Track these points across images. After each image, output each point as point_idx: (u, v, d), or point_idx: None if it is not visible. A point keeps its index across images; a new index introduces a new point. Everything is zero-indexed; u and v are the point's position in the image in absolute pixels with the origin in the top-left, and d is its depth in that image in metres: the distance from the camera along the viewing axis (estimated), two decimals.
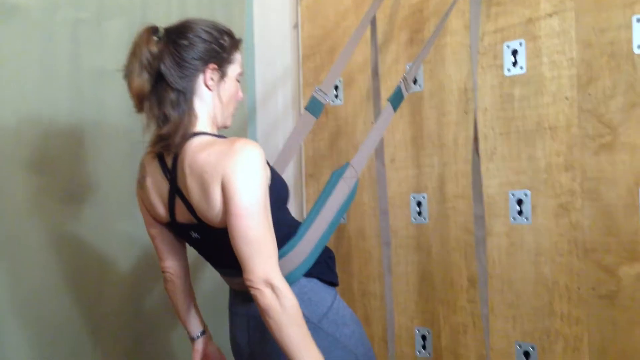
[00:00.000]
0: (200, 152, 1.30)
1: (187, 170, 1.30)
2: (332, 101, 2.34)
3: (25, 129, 1.88)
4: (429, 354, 2.13)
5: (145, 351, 2.45)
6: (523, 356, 1.89)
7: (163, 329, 2.51)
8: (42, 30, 1.89)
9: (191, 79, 1.34)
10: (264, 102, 2.64)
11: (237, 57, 1.43)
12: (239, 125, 2.62)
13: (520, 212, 1.88)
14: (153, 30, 1.35)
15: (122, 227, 2.31)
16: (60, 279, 2.13)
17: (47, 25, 1.90)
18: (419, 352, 2.16)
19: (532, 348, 1.87)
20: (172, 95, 1.32)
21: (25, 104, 1.88)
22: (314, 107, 1.85)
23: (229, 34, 1.42)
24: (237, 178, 1.25)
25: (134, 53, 1.32)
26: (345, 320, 1.47)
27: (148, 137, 1.38)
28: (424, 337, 2.15)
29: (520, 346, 1.89)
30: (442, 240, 2.08)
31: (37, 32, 1.88)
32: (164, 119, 1.32)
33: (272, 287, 1.24)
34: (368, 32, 2.11)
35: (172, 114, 1.32)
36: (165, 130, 1.32)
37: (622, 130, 1.69)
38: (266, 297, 1.24)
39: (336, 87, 2.32)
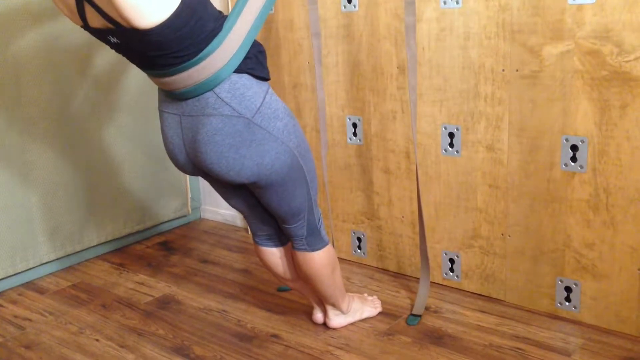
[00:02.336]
0: None
1: None
2: None
3: None
4: (360, 140, 2.22)
5: (78, 156, 2.45)
6: (448, 137, 1.99)
7: (94, 132, 2.49)
8: None
9: None
10: None
11: None
12: None
13: None
14: None
15: (32, 26, 2.17)
16: None
17: None
18: (350, 139, 2.24)
19: (457, 129, 1.97)
20: None
21: None
22: None
23: None
24: None
25: None
26: (278, 114, 1.48)
27: None
28: (354, 125, 2.22)
29: (445, 128, 1.99)
30: (373, 28, 2.06)
31: None
32: None
33: None
34: None
35: None
36: None
37: None
38: None
39: None
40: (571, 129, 1.73)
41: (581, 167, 1.74)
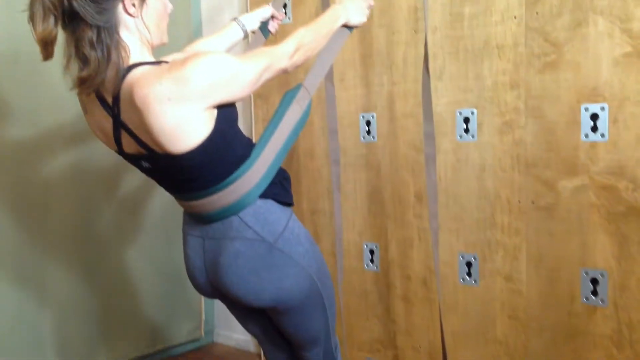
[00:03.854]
0: (148, 85, 1.22)
1: (140, 106, 1.22)
2: (281, 20, 2.29)
3: None
4: (377, 267, 2.22)
5: (96, 277, 2.45)
6: (465, 266, 2.00)
7: (114, 253, 2.51)
8: None
9: (110, 11, 1.24)
10: (210, 21, 2.55)
11: None
12: (185, 46, 2.54)
13: (466, 130, 1.94)
14: None
15: (64, 149, 2.26)
16: None
17: None
18: (367, 265, 2.25)
19: (474, 258, 1.97)
20: (90, 34, 1.22)
21: None
22: (264, 27, 1.81)
23: None
24: (220, 78, 1.24)
25: None
26: (300, 239, 1.50)
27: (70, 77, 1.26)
28: (372, 252, 2.23)
29: (463, 257, 2.00)
30: (391, 158, 2.13)
31: None
32: (83, 60, 1.23)
33: (295, 51, 1.41)
34: None
35: (92, 54, 1.22)
36: (85, 72, 1.23)
37: (567, 49, 1.73)
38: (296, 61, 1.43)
39: (285, 6, 2.26)
40: (590, 261, 1.73)
41: (602, 301, 1.72)
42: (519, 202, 1.86)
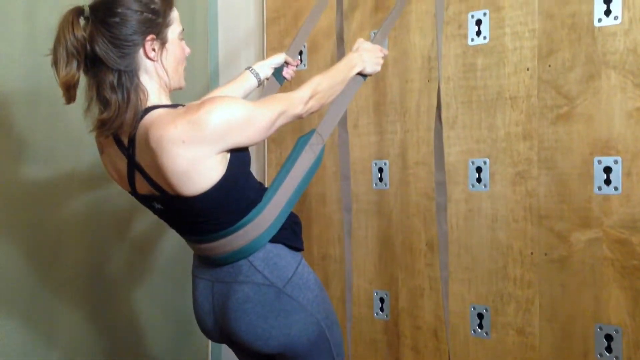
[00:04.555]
0: (163, 127, 1.24)
1: (154, 147, 1.25)
2: (297, 66, 2.33)
3: None
4: (387, 316, 2.19)
5: (104, 319, 2.44)
6: (477, 317, 1.96)
7: (123, 295, 2.50)
8: None
9: (131, 55, 1.28)
10: (227, 66, 2.60)
11: (174, 15, 1.36)
12: (201, 90, 2.59)
13: (479, 180, 1.94)
14: (77, 12, 1.27)
15: (79, 191, 2.28)
16: (12, 240, 2.09)
17: None
18: (377, 313, 2.22)
19: (486, 310, 1.94)
20: (112, 77, 1.26)
21: None
22: (278, 73, 1.84)
23: None
24: (232, 125, 1.26)
25: (59, 39, 1.24)
26: (309, 285, 1.50)
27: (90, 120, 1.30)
28: (382, 300, 2.21)
29: (474, 308, 1.97)
30: (403, 206, 2.13)
31: None
32: (104, 103, 1.27)
33: (310, 98, 1.43)
34: None
35: (112, 97, 1.26)
36: (105, 115, 1.26)
37: (580, 101, 1.74)
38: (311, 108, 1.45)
39: (300, 52, 2.31)
40: (604, 317, 1.70)
41: (617, 358, 1.68)
42: (532, 253, 1.84)
